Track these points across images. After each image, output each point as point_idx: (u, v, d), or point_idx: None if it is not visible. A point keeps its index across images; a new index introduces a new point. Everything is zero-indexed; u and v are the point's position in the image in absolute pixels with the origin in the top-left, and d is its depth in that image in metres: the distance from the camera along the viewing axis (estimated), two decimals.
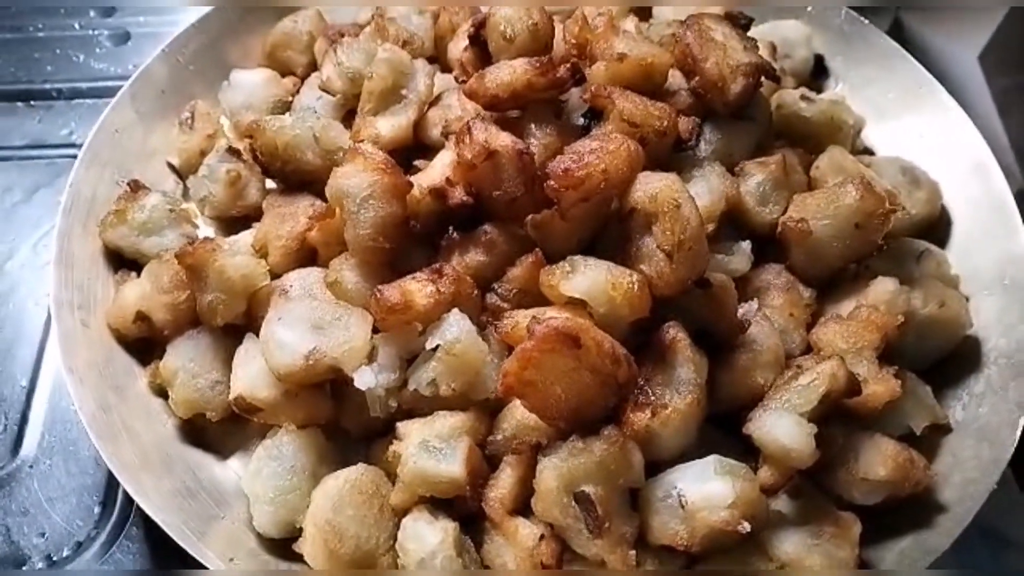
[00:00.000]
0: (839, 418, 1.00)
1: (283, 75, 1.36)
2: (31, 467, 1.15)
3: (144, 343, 1.10)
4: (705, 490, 0.89)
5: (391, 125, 1.14)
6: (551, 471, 0.88)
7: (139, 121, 1.26)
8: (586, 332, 0.88)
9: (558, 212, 1.01)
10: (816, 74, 1.43)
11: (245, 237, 1.16)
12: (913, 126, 1.33)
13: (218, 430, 1.06)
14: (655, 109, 1.09)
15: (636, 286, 0.94)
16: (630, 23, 1.23)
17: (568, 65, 1.11)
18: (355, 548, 0.92)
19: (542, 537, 0.90)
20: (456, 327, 0.96)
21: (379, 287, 0.98)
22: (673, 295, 0.99)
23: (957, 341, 1.12)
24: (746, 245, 1.09)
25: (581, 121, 1.14)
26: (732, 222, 1.13)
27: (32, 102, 1.52)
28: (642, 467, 0.91)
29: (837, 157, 1.15)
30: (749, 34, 1.36)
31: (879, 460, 0.96)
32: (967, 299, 1.17)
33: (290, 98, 1.31)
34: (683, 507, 0.89)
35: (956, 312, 1.10)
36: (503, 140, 1.02)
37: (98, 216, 1.16)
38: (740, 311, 1.05)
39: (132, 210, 1.14)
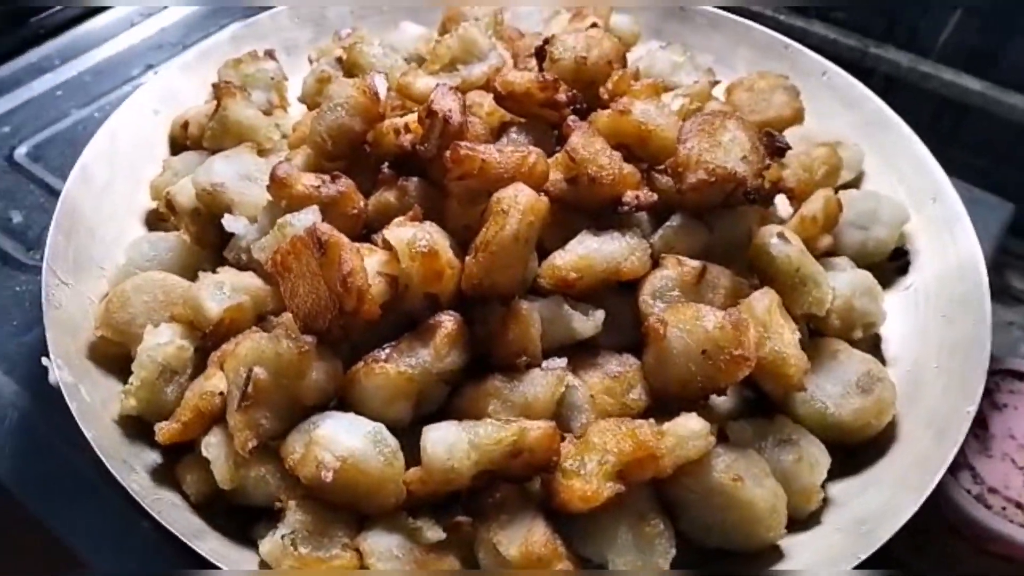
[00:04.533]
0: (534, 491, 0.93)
1: None
2: None
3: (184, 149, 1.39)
4: (336, 436, 0.90)
5: (427, 84, 1.28)
6: (248, 342, 0.97)
7: (314, 24, 1.58)
8: (336, 246, 0.95)
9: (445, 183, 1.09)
10: (899, 266, 1.26)
11: (295, 118, 1.39)
12: (932, 355, 1.12)
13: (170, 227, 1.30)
14: (605, 159, 1.09)
15: (421, 251, 0.98)
16: (678, 101, 1.23)
17: (570, 92, 1.17)
18: (126, 323, 1.09)
19: (221, 393, 0.98)
20: (300, 215, 1.08)
21: (282, 161, 1.15)
22: (468, 291, 1.01)
23: (752, 540, 0.93)
24: (599, 315, 1.04)
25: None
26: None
27: None
28: (317, 389, 0.95)
29: (758, 300, 1.03)
30: (850, 203, 1.26)
31: (518, 538, 0.87)
32: (816, 525, 0.98)
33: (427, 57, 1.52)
34: (310, 435, 0.91)
35: (751, 500, 0.92)
36: (444, 104, 1.11)
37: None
38: (547, 362, 1.02)
39: (248, 63, 1.44)
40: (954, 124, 1.91)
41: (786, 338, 1.00)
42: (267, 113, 1.40)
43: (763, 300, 1.02)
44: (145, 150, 1.37)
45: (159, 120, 1.40)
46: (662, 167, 1.15)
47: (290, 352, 0.94)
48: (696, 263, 1.06)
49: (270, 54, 1.48)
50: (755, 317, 1.01)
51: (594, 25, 1.35)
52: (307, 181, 1.11)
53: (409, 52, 1.51)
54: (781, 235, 1.09)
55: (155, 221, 1.32)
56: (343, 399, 0.99)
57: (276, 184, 1.11)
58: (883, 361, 1.14)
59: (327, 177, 1.13)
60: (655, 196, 1.11)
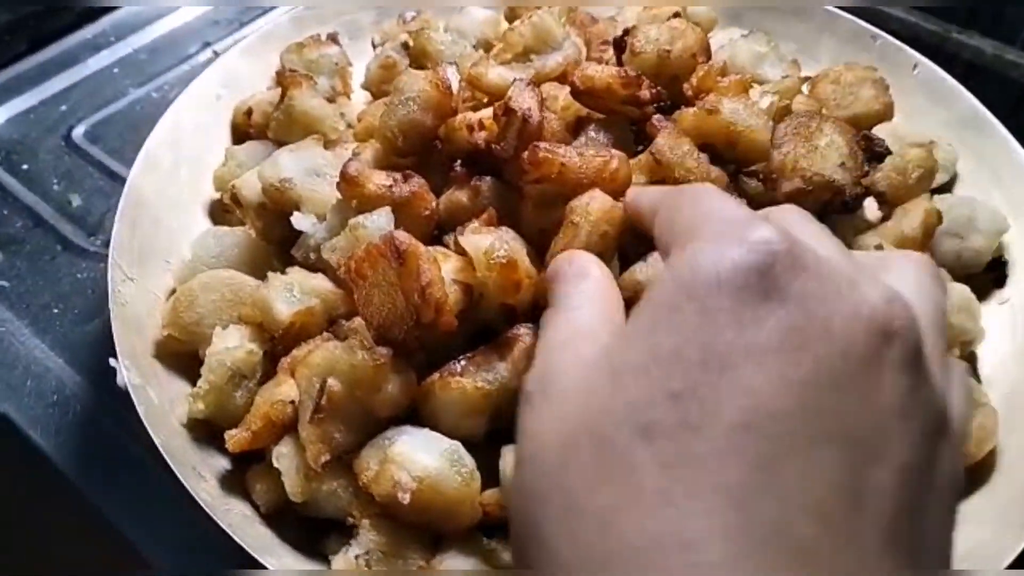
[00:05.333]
0: None
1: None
2: None
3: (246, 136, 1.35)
4: (413, 455, 0.87)
5: (500, 75, 1.23)
6: (321, 351, 0.93)
7: (377, 6, 1.52)
8: (415, 256, 0.90)
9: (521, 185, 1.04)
10: (995, 277, 1.19)
11: (359, 106, 1.35)
12: None
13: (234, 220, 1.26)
14: (692, 162, 1.04)
15: (500, 261, 0.94)
16: (767, 99, 1.16)
17: (654, 89, 1.11)
18: (194, 322, 1.06)
19: (292, 402, 0.96)
20: (373, 217, 1.04)
21: (353, 158, 1.10)
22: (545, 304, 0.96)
23: None
24: None
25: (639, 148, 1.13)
26: None
27: None
28: (392, 402, 0.91)
29: None
30: (945, 210, 1.19)
31: None
32: None
33: (495, 42, 1.46)
34: (385, 452, 0.88)
35: None
36: (523, 103, 1.06)
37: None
38: None
39: (312, 49, 1.40)
40: None
41: None
42: (331, 100, 1.36)
43: None
44: (208, 137, 1.33)
45: (221, 106, 1.36)
46: (751, 170, 1.09)
47: (365, 364, 0.90)
48: None
49: (333, 38, 1.43)
50: None
51: (676, 15, 1.28)
52: (378, 180, 1.07)
53: (476, 37, 1.46)
54: (879, 248, 1.03)
55: (219, 212, 1.29)
56: (417, 411, 0.95)
57: (347, 183, 1.07)
58: (978, 382, 1.09)
59: (399, 176, 1.09)
60: (744, 202, 1.05)
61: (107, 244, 1.22)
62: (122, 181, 1.40)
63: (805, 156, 1.02)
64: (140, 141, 1.36)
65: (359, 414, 0.92)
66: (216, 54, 1.69)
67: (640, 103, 1.11)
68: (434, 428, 0.93)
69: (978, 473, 0.99)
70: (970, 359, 1.11)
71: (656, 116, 1.09)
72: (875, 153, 1.07)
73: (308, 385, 0.93)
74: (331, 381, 0.91)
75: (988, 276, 1.19)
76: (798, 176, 1.01)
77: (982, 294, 1.17)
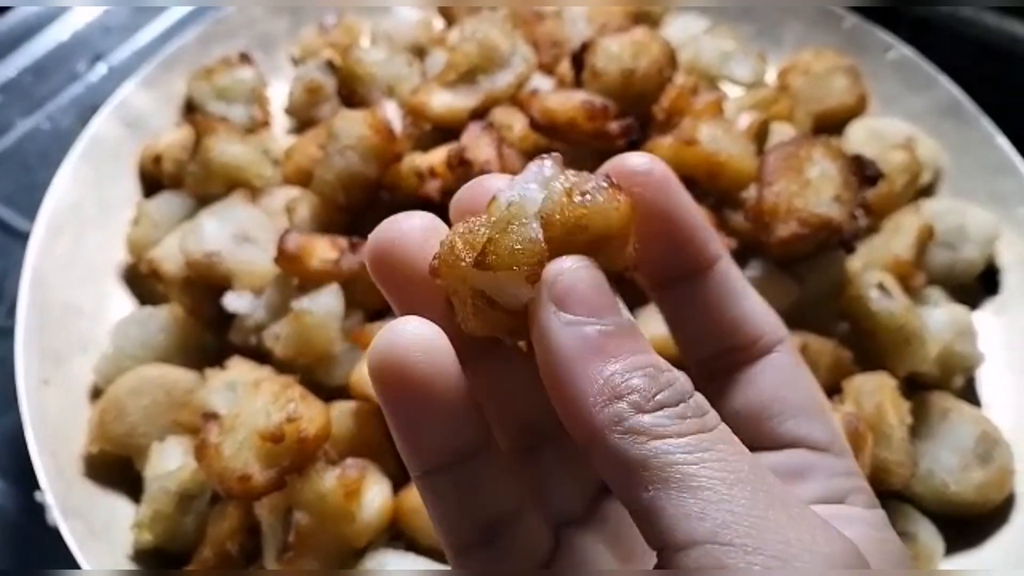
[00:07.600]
0: None
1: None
2: None
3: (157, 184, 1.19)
4: None
5: (446, 103, 1.09)
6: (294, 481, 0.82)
7: (291, 11, 1.34)
8: None
9: None
10: (986, 284, 1.13)
11: (287, 141, 1.19)
12: None
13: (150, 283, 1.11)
14: None
15: None
16: (745, 118, 1.05)
17: (624, 123, 0.99)
18: (125, 434, 0.93)
19: (251, 530, 0.84)
20: (320, 300, 0.91)
21: (289, 229, 0.96)
22: None
23: None
24: None
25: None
26: None
27: None
28: (370, 530, 0.81)
29: (868, 395, 0.90)
30: (933, 218, 1.10)
31: None
32: None
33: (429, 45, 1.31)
34: None
35: None
36: (482, 155, 0.94)
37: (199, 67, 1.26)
38: None
39: (222, 73, 1.23)
40: (998, 72, 1.75)
41: (894, 443, 0.87)
42: (250, 131, 1.20)
43: (874, 396, 0.89)
44: (113, 190, 1.16)
45: (125, 151, 1.19)
46: (739, 204, 0.99)
47: (335, 494, 0.79)
48: (796, 340, 0.91)
49: (245, 57, 1.26)
50: (862, 410, 0.88)
51: (636, 21, 1.15)
52: (323, 254, 0.94)
53: (407, 42, 1.30)
54: (882, 286, 0.94)
55: (135, 277, 1.13)
56: (397, 524, 0.85)
57: (287, 260, 0.93)
58: (978, 405, 1.03)
59: (345, 244, 0.96)
60: (734, 242, 0.96)
61: (12, 312, 1.07)
62: (20, 235, 1.25)
63: (799, 194, 0.92)
64: (35, 184, 1.20)
65: (333, 544, 0.81)
66: (110, 69, 1.49)
67: (607, 137, 0.99)
68: (418, 543, 0.83)
69: (995, 518, 0.94)
70: (968, 383, 1.04)
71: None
72: (867, 178, 0.98)
73: (272, 519, 0.81)
74: (298, 515, 0.80)
75: (976, 285, 1.12)
76: (794, 219, 0.91)
77: (972, 304, 1.10)
